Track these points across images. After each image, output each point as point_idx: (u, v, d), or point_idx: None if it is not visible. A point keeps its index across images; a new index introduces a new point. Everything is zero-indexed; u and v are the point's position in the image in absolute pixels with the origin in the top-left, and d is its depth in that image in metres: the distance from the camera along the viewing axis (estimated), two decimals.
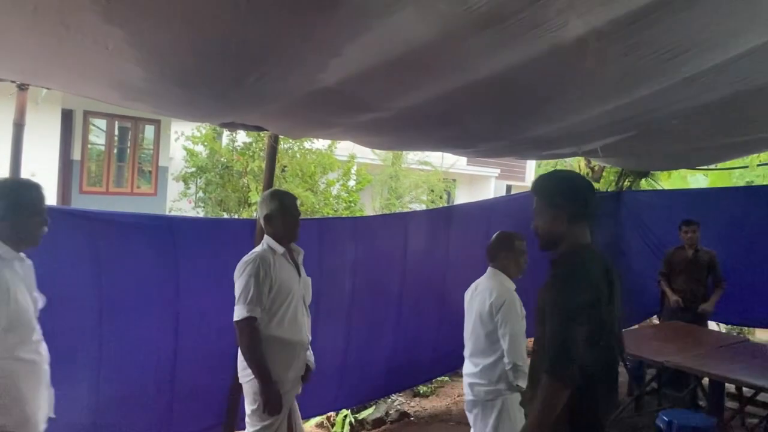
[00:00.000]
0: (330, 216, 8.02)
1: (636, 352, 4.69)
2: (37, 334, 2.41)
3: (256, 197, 7.81)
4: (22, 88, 2.83)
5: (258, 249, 3.07)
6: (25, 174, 3.00)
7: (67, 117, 10.52)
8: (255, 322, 2.90)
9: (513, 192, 18.24)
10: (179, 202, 9.47)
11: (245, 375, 3.02)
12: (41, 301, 2.48)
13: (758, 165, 7.98)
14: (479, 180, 19.36)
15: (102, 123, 11.69)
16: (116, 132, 11.96)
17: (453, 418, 5.16)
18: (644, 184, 7.41)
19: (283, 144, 8.39)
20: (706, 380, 4.79)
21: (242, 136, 8.85)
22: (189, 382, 3.71)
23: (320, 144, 9.06)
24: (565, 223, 2.12)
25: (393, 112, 3.01)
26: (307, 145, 8.91)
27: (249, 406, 3.02)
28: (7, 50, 2.21)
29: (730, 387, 4.81)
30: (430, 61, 2.32)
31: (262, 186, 4.06)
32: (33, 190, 2.46)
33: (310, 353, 3.21)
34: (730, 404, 5.03)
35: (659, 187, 7.74)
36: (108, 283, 3.38)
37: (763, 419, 4.83)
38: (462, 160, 14.52)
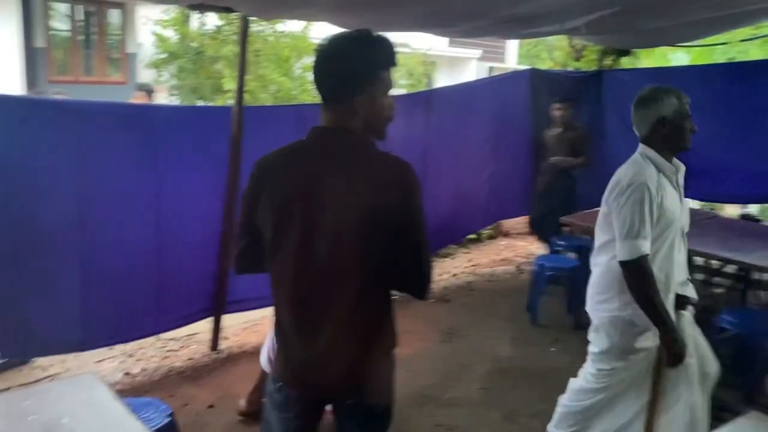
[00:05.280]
0: (309, 102, 7.87)
1: None
2: None
3: (230, 84, 7.61)
4: None
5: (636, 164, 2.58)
6: None
7: (25, 1, 9.94)
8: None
9: (494, 73, 17.94)
10: None
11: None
12: None
13: (740, 41, 7.85)
14: (460, 62, 18.92)
15: (64, 8, 11.08)
16: (80, 17, 11.37)
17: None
18: (626, 62, 7.32)
19: (256, 27, 8.07)
20: None
21: (213, 19, 8.48)
22: (175, 270, 3.79)
23: (294, 26, 8.72)
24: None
25: None
26: (280, 27, 8.59)
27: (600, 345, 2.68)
28: None
29: (698, 260, 5.03)
30: None
31: (235, 72, 3.94)
32: None
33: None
34: (697, 275, 5.28)
35: (640, 66, 7.65)
36: (87, 174, 3.35)
37: (728, 289, 5.10)
38: (442, 41, 14.13)
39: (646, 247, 2.38)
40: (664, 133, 2.55)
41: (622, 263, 2.42)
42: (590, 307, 2.73)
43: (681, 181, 2.61)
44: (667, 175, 2.53)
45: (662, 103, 2.57)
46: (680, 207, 2.56)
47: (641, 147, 2.63)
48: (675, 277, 2.54)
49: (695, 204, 7.10)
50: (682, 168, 2.61)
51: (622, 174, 2.58)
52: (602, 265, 2.64)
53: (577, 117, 6.80)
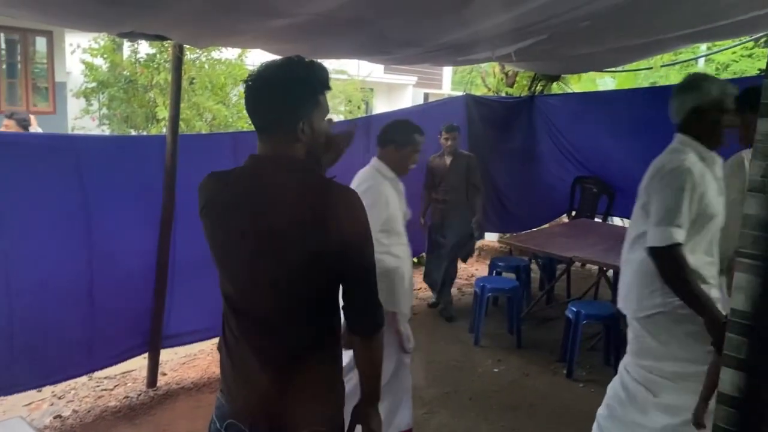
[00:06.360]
0: (245, 130, 7.79)
1: (546, 249, 4.96)
2: (404, 238, 2.99)
3: (164, 112, 7.46)
4: None
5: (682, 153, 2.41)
6: None
7: None
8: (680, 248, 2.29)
9: (430, 99, 18.26)
10: (81, 119, 8.93)
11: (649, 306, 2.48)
12: (408, 214, 3.08)
13: (662, 66, 8.29)
14: (397, 89, 19.20)
15: None
16: (2, 45, 10.97)
17: None
18: (556, 87, 7.59)
19: (190, 54, 7.97)
20: (610, 272, 5.15)
21: (145, 47, 8.33)
22: (108, 305, 3.64)
23: (229, 54, 8.66)
24: None
25: (305, 17, 2.88)
26: (215, 54, 8.51)
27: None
28: None
29: None
30: None
31: (169, 100, 3.86)
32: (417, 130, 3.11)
33: None
34: None
35: (570, 91, 7.95)
36: (9, 208, 3.19)
37: None
38: (379, 68, 14.30)
39: (679, 235, 2.25)
40: (697, 123, 2.42)
41: (652, 250, 2.29)
42: (634, 307, 2.53)
43: (720, 173, 2.45)
44: (708, 165, 2.40)
45: (700, 93, 2.42)
46: (721, 200, 2.41)
47: (678, 136, 2.49)
48: (714, 273, 2.44)
49: (625, 222, 7.38)
50: (719, 160, 2.47)
51: (664, 160, 2.43)
52: (638, 258, 2.47)
53: (511, 140, 6.96)
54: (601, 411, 2.75)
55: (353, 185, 2.94)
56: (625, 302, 2.59)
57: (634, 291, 2.52)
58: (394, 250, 2.90)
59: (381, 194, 2.87)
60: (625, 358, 2.68)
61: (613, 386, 2.72)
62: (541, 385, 4.19)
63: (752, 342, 1.09)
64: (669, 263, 2.28)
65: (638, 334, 2.56)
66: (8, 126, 5.85)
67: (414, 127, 3.10)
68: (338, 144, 1.67)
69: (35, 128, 6.14)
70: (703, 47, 8.65)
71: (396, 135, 3.01)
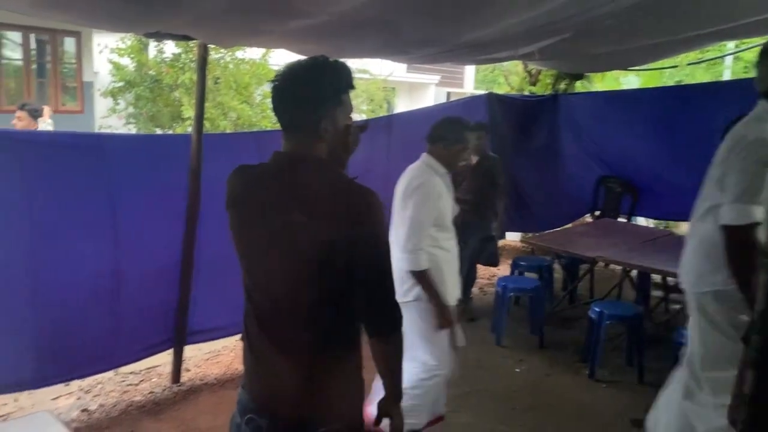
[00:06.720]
0: (269, 129, 7.87)
1: (569, 249, 4.92)
2: (452, 233, 3.09)
3: (189, 112, 7.56)
4: None
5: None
6: None
7: None
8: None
9: (453, 98, 18.22)
10: (109, 118, 9.08)
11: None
12: (456, 210, 3.17)
13: (687, 64, 8.17)
14: (419, 88, 19.17)
15: (16, 36, 10.88)
16: (33, 45, 11.18)
17: None
18: (579, 86, 7.52)
19: (214, 54, 8.07)
20: (634, 272, 5.10)
21: (171, 47, 8.45)
22: (134, 301, 3.70)
23: (254, 53, 8.74)
24: None
25: (327, 17, 2.90)
26: (239, 54, 8.60)
27: None
28: None
29: (656, 277, 5.15)
30: None
31: (194, 100, 3.91)
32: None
33: None
34: (655, 293, 5.40)
35: (593, 89, 7.88)
36: (38, 206, 3.26)
37: (684, 305, 5.21)
38: (401, 67, 14.30)
39: (759, 214, 2.06)
40: None
41: (726, 228, 2.11)
42: (692, 281, 2.42)
43: None
44: None
45: None
46: None
47: (762, 103, 2.24)
48: None
49: (649, 222, 7.30)
50: None
51: (745, 130, 2.20)
52: (706, 231, 2.32)
53: (533, 139, 6.90)
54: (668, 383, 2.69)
55: (404, 180, 3.00)
56: (684, 274, 2.48)
57: (695, 265, 2.41)
58: (443, 244, 2.99)
59: (434, 189, 2.92)
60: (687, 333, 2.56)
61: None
62: (563, 385, 4.17)
63: (761, 339, 1.09)
64: (741, 243, 2.08)
65: (692, 307, 2.46)
66: (20, 117, 5.92)
67: (463, 125, 3.13)
68: (354, 133, 1.67)
69: (46, 119, 6.21)
70: (730, 45, 8.51)
71: (445, 133, 3.04)
